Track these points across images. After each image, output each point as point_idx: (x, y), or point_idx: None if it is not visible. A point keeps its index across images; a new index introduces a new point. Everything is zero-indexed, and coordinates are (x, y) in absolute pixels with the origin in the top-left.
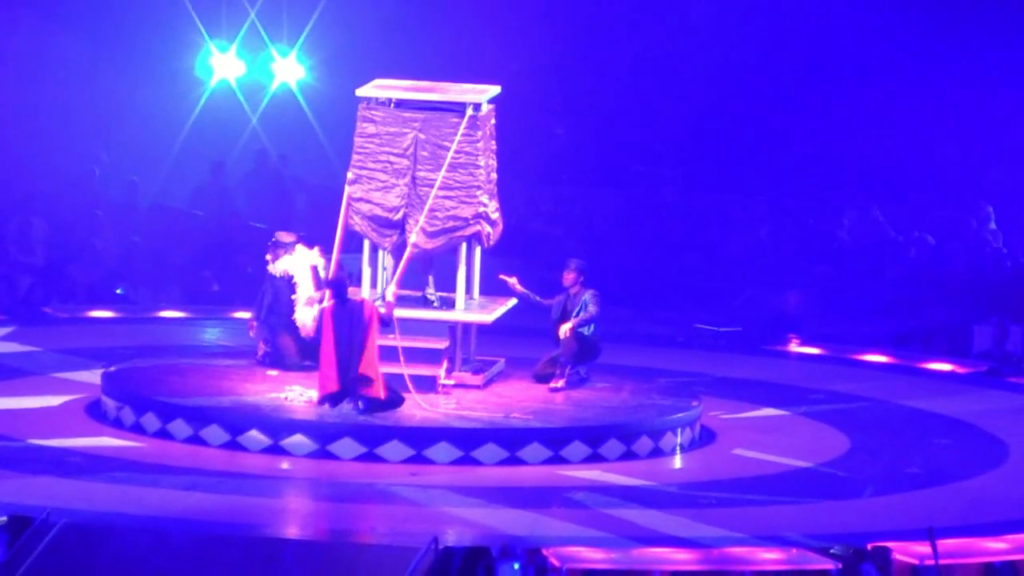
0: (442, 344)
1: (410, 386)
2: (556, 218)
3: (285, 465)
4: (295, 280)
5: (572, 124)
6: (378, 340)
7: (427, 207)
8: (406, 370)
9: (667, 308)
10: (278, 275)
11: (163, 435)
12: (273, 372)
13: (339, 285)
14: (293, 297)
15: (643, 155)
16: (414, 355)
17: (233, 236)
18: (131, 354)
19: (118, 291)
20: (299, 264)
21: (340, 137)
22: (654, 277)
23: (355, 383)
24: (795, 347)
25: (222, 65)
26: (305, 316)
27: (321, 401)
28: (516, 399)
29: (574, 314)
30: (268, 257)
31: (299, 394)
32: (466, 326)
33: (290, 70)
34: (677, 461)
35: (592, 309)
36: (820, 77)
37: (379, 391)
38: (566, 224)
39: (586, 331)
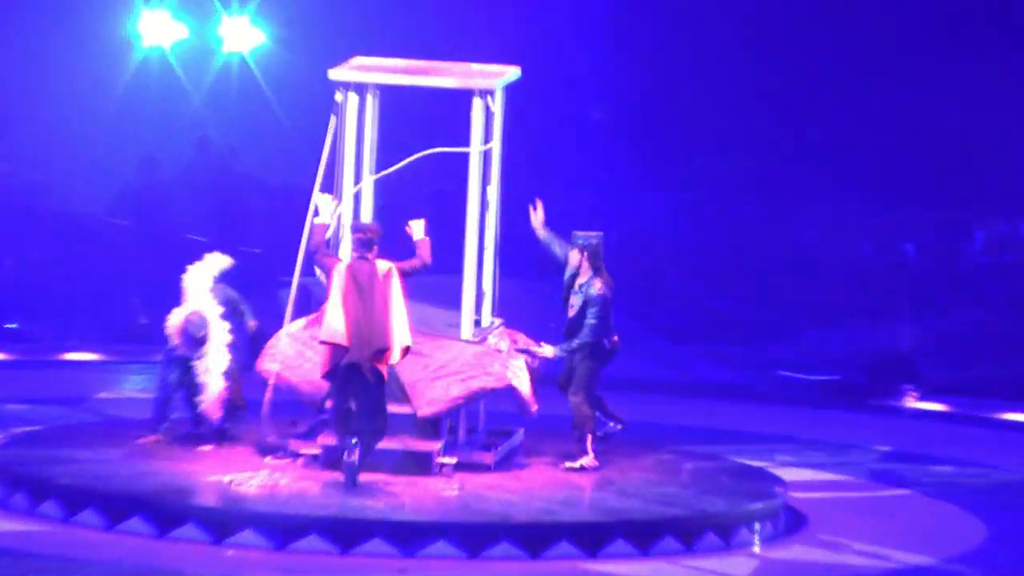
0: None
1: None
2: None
3: (230, 553)
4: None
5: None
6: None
7: None
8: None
9: (739, 345)
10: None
11: (69, 523)
12: (207, 448)
13: (368, 235)
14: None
15: (712, 152)
16: (403, 424)
17: (167, 252)
18: (27, 415)
19: (12, 325)
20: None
21: (308, 124)
22: (722, 303)
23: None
24: (912, 402)
25: (155, 27)
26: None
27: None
28: (539, 482)
29: (579, 304)
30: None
31: (248, 476)
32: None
33: (243, 35)
34: (753, 561)
35: (589, 322)
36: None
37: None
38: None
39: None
